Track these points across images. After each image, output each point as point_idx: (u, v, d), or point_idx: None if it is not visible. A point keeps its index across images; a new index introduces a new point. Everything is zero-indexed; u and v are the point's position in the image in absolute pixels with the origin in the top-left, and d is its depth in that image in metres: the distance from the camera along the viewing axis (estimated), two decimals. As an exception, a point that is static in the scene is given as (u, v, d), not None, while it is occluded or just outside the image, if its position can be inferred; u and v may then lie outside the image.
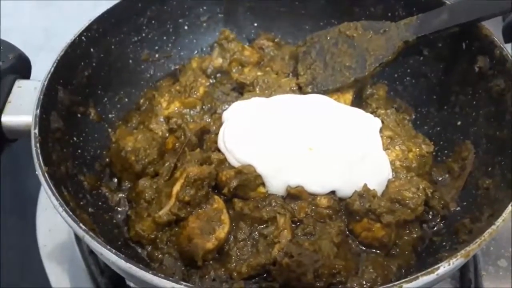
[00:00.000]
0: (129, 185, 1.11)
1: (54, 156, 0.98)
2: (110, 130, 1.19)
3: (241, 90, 1.23)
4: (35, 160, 0.90)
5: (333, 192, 1.00)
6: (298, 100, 1.13)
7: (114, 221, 1.06)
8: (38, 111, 0.96)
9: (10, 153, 1.10)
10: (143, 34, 1.28)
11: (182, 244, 0.96)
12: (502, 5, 1.02)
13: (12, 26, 1.58)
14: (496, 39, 1.06)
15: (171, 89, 1.24)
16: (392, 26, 1.15)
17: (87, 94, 1.15)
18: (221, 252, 0.97)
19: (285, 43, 1.38)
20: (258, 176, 1.00)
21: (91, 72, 1.15)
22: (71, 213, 0.84)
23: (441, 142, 1.16)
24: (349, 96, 1.17)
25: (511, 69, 1.01)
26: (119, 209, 1.09)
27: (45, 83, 1.00)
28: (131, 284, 1.15)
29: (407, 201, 0.98)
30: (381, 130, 1.10)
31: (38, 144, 0.92)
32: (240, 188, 1.00)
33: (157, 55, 1.33)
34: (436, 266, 0.75)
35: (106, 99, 1.21)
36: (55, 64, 1.04)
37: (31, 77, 1.12)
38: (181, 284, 0.75)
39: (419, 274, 0.75)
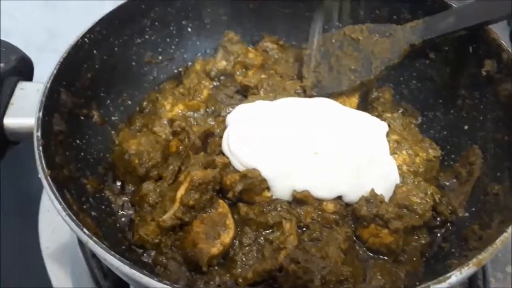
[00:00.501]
0: (132, 189, 1.10)
1: (57, 159, 0.97)
2: (113, 132, 1.18)
3: (245, 93, 1.23)
4: (38, 163, 0.89)
5: (339, 197, 0.99)
6: (302, 103, 1.12)
7: (118, 225, 1.05)
8: (40, 113, 0.95)
9: (12, 154, 1.09)
10: (147, 36, 1.27)
11: (187, 249, 0.95)
12: (510, 8, 1.01)
13: (16, 26, 1.58)
14: (503, 42, 1.05)
15: (175, 92, 1.24)
16: (398, 29, 1.14)
17: (90, 96, 1.14)
18: (226, 257, 0.96)
19: (290, 46, 1.37)
20: (263, 180, 0.99)
21: (94, 74, 1.14)
22: (74, 218, 0.83)
23: (448, 147, 1.15)
24: (354, 99, 1.17)
25: (519, 73, 1.01)
26: (122, 212, 1.07)
27: (48, 85, 0.99)
28: (135, 290, 1.14)
29: (415, 207, 0.97)
30: (387, 134, 1.09)
31: (40, 147, 0.91)
32: (245, 192, 0.99)
33: (160, 57, 1.32)
34: (447, 275, 0.74)
35: (109, 101, 1.20)
36: (58, 66, 1.03)
37: (34, 78, 1.11)
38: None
39: (430, 283, 0.74)
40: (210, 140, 1.12)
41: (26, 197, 1.37)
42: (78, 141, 1.08)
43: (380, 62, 1.14)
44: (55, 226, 1.25)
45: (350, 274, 0.89)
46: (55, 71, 1.02)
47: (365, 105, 1.19)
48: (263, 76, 1.24)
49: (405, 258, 0.97)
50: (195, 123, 1.17)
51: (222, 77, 1.29)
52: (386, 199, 0.98)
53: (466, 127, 1.12)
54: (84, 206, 0.99)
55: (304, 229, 0.97)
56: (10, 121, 1.01)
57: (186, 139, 1.11)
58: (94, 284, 1.17)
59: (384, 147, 1.06)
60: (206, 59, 1.33)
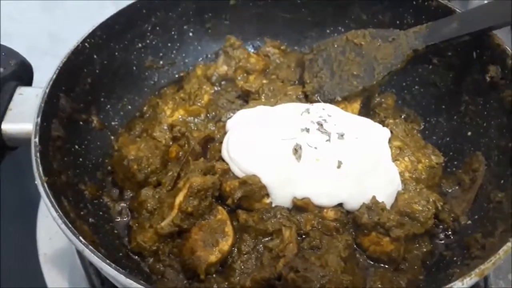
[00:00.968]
0: (131, 195, 1.09)
1: (55, 165, 0.96)
2: (112, 138, 1.17)
3: (246, 98, 1.22)
4: (35, 169, 0.89)
5: (340, 205, 0.97)
6: (304, 109, 1.11)
7: (115, 231, 1.04)
8: (39, 119, 0.95)
9: (11, 159, 1.08)
10: (148, 41, 1.27)
11: (185, 257, 0.94)
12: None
13: (17, 30, 1.58)
14: (508, 48, 1.04)
15: (175, 97, 1.23)
16: (401, 34, 1.13)
17: (90, 102, 1.13)
18: (225, 265, 0.95)
19: (291, 51, 1.36)
20: (263, 187, 0.98)
21: (94, 79, 1.13)
22: (70, 226, 0.82)
23: (451, 153, 1.13)
24: (356, 105, 1.15)
25: (524, 79, 0.99)
26: (120, 219, 1.06)
27: (47, 90, 0.99)
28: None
29: (416, 214, 0.96)
30: (389, 141, 1.08)
31: (38, 153, 0.90)
32: (244, 199, 0.98)
33: (161, 62, 1.31)
34: (449, 286, 0.73)
35: (109, 106, 1.19)
36: (57, 71, 1.03)
37: (36, 82, 1.11)
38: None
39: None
40: (210, 146, 1.11)
41: (25, 202, 1.36)
42: (76, 147, 1.07)
43: (383, 68, 1.13)
44: (53, 232, 1.24)
45: (350, 282, 0.88)
46: (54, 76, 1.02)
47: (367, 111, 1.17)
48: (264, 81, 1.23)
49: (406, 267, 0.96)
50: (195, 129, 1.16)
51: (223, 82, 1.28)
52: (388, 206, 0.97)
53: (469, 133, 1.11)
54: (82, 213, 0.98)
55: (304, 236, 0.96)
56: (8, 127, 1.01)
57: (186, 145, 1.10)
58: (92, 290, 1.16)
59: (386, 154, 1.05)
60: (207, 64, 1.33)
